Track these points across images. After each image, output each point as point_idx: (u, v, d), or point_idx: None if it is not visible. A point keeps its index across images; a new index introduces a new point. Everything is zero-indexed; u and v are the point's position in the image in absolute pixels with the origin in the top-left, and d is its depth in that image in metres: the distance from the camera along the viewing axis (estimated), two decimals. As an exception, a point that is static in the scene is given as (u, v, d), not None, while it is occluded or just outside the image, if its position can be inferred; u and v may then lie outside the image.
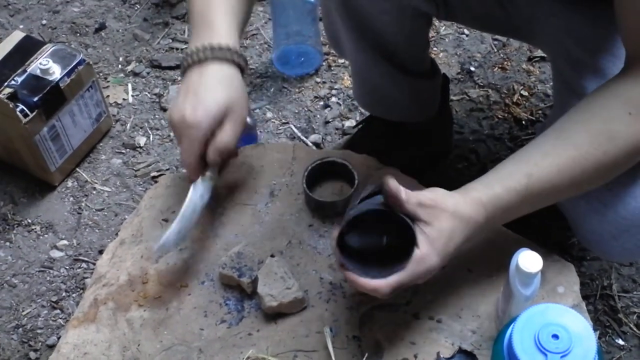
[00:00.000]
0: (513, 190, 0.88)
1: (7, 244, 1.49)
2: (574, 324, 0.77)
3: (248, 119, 1.07)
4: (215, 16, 1.03)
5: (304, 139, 1.62)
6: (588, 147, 0.88)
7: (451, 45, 1.79)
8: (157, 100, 1.71)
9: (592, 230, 1.00)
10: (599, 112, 0.89)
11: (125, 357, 0.99)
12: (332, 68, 1.74)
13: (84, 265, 1.46)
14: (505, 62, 1.75)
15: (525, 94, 1.68)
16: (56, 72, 1.47)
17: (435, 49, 1.77)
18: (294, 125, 1.65)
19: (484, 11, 1.20)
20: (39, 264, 1.47)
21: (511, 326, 0.79)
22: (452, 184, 1.11)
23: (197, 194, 1.02)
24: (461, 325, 0.98)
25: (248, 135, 1.47)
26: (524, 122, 1.62)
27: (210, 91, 0.99)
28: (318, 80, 1.72)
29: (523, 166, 0.90)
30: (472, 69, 1.74)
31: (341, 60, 1.73)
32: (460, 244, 0.87)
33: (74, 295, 1.42)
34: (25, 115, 1.42)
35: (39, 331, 1.38)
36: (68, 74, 1.48)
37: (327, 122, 1.65)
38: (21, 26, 1.86)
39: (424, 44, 1.33)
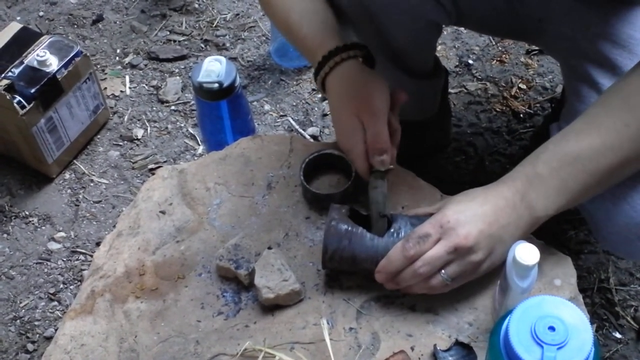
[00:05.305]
0: (528, 164, 0.89)
1: (5, 235, 1.49)
2: (570, 316, 0.77)
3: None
4: (305, 33, 1.06)
5: (302, 131, 1.62)
6: (607, 121, 0.87)
7: (449, 38, 1.79)
8: (154, 92, 1.71)
9: (617, 232, 0.98)
10: (618, 92, 0.89)
11: (122, 348, 0.99)
12: (330, 61, 1.73)
13: (81, 257, 1.46)
14: (504, 55, 1.74)
15: (524, 87, 1.68)
16: (53, 63, 1.46)
17: (433, 41, 1.77)
18: (292, 118, 1.65)
19: (494, 16, 1.19)
20: (36, 255, 1.47)
21: (507, 318, 0.78)
22: (449, 177, 1.12)
23: (378, 191, 1.02)
24: (458, 318, 0.98)
25: (245, 127, 1.47)
26: (522, 115, 1.62)
27: (341, 108, 1.05)
28: (316, 72, 1.72)
29: (540, 148, 0.91)
30: (471, 62, 1.74)
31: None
32: (492, 212, 0.88)
33: (71, 287, 1.42)
34: (23, 107, 1.42)
35: (36, 323, 1.38)
36: (65, 66, 1.48)
37: (324, 115, 1.65)
38: (18, 18, 1.86)
39: (431, 49, 1.33)
